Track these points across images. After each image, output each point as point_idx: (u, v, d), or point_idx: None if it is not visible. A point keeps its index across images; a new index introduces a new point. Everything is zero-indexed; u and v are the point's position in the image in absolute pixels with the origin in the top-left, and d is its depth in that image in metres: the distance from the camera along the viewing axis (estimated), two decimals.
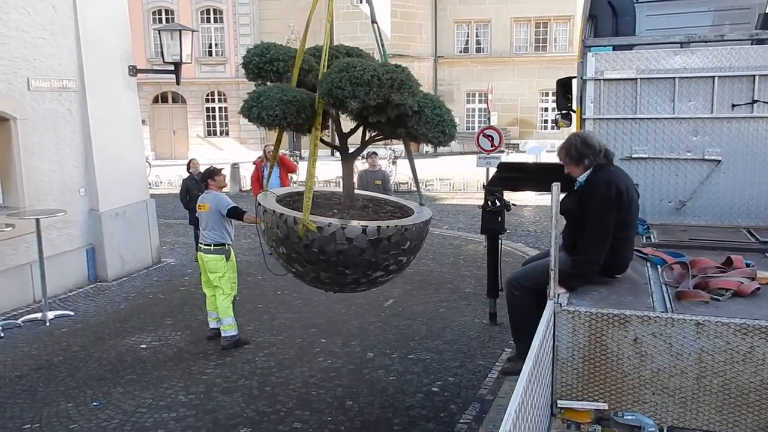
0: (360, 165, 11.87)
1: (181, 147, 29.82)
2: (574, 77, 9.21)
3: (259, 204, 5.23)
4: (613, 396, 3.32)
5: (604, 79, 5.56)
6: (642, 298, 3.51)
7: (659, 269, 4.04)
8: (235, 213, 6.82)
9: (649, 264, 4.20)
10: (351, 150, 5.31)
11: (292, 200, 5.58)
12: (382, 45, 5.27)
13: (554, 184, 3.41)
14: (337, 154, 5.34)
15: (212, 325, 7.19)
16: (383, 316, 7.81)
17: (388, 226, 4.60)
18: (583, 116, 5.76)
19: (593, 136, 4.17)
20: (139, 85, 30.81)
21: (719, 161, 5.44)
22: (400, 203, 5.89)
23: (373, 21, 5.37)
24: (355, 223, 4.63)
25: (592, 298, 3.53)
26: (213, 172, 7.12)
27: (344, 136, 5.30)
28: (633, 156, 5.59)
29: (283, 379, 6.15)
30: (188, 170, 10.98)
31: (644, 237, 5.05)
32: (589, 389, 3.36)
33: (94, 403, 5.74)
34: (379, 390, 5.86)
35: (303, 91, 5.05)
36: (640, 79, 5.49)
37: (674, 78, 5.43)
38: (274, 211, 4.90)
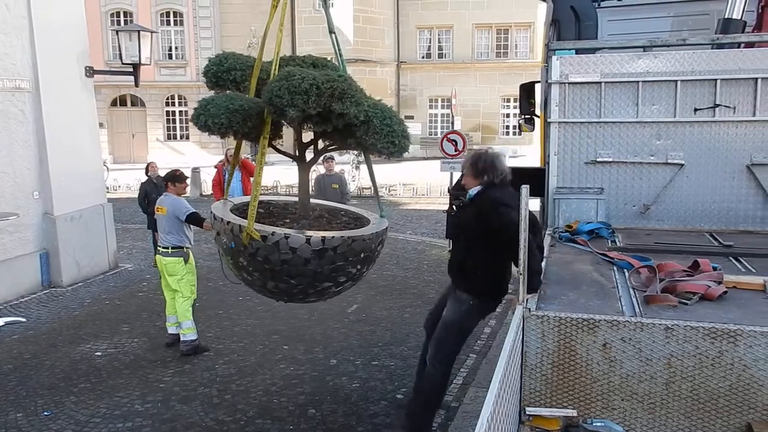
0: (318, 169, 11.73)
1: (141, 151, 29.24)
2: (538, 82, 9.30)
3: (211, 211, 5.25)
4: (582, 402, 3.28)
5: (569, 83, 5.56)
6: (610, 303, 3.48)
7: (626, 273, 4.02)
8: (194, 219, 6.71)
9: (615, 268, 4.19)
10: (308, 159, 5.32)
11: (263, 209, 5.52)
12: (340, 54, 5.25)
13: (523, 186, 3.35)
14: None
15: (171, 330, 7.00)
16: (347, 322, 7.70)
17: (333, 237, 4.60)
18: (548, 119, 5.76)
19: (504, 161, 4.29)
20: (97, 88, 30.18)
21: (682, 165, 5.48)
22: (358, 214, 5.83)
23: (331, 31, 5.35)
24: (299, 232, 4.62)
25: (560, 303, 3.49)
26: (176, 177, 6.95)
27: (301, 145, 5.30)
28: (597, 160, 5.61)
29: (244, 387, 5.99)
30: (147, 173, 10.71)
31: (609, 241, 5.05)
32: (557, 396, 3.32)
33: (45, 413, 5.49)
34: (342, 397, 5.74)
35: (253, 99, 5.05)
36: (605, 82, 5.51)
37: (638, 82, 5.45)
38: (222, 218, 4.93)
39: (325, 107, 4.38)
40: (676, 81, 5.41)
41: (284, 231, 4.66)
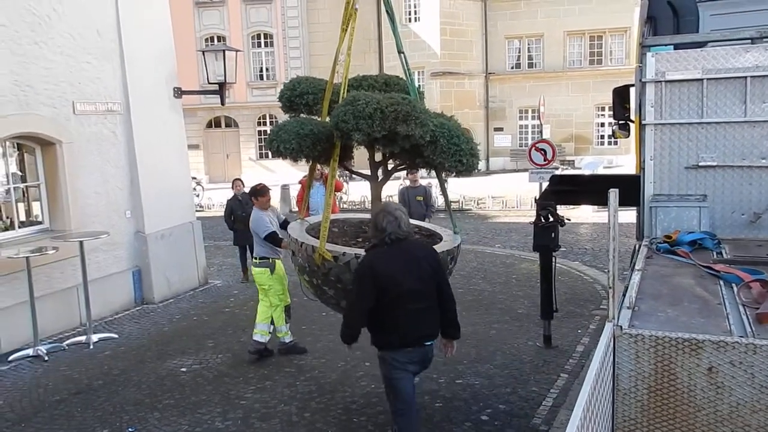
0: (404, 182, 11.56)
1: (234, 170, 30.10)
2: (632, 85, 8.74)
3: (287, 231, 5.49)
4: None
5: (666, 81, 5.11)
6: (716, 321, 3.06)
7: (735, 288, 3.57)
8: (271, 239, 6.84)
9: (722, 282, 3.73)
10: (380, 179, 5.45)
11: (335, 227, 5.65)
12: (409, 72, 5.32)
13: (611, 190, 3.01)
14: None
15: (257, 338, 7.04)
16: None
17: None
18: (643, 122, 5.33)
19: (392, 217, 4.15)
20: (192, 110, 31.41)
21: None
22: (432, 230, 5.80)
23: (400, 51, 5.41)
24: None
25: (657, 320, 3.10)
26: (258, 192, 7.13)
27: (373, 165, 5.40)
28: (700, 164, 5.11)
29: (324, 404, 5.83)
30: (233, 190, 10.92)
31: (714, 253, 4.55)
32: (655, 424, 2.93)
33: (130, 429, 5.54)
34: (424, 417, 5.46)
35: (323, 123, 5.23)
36: (707, 79, 5.03)
37: (746, 77, 4.94)
38: (296, 239, 5.12)
39: (390, 130, 4.45)
40: None
41: (354, 251, 4.72)
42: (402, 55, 5.44)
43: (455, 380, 6.21)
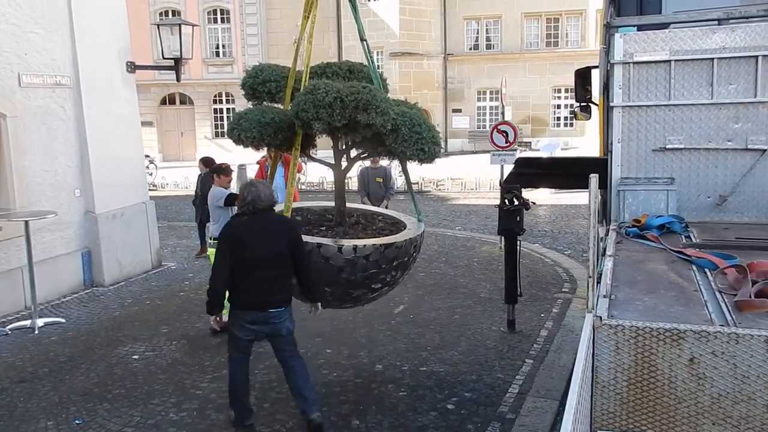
0: (362, 162, 11.36)
1: (189, 148, 29.45)
2: (594, 67, 8.70)
3: None
4: (664, 426, 2.80)
5: (634, 62, 5.03)
6: (695, 309, 2.98)
7: (709, 274, 3.50)
8: (232, 199, 6.81)
9: (695, 268, 3.67)
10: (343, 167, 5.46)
11: (298, 216, 5.75)
12: (372, 62, 5.29)
13: (592, 176, 2.89)
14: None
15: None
16: (393, 324, 7.30)
17: (365, 245, 4.69)
18: (611, 104, 5.23)
19: (254, 189, 4.57)
20: (146, 86, 30.53)
21: (765, 151, 4.89)
22: (395, 218, 5.83)
23: (362, 39, 5.40)
24: (330, 241, 4.74)
25: (636, 310, 3.00)
26: (222, 170, 7.21)
27: (337, 153, 5.38)
28: (667, 147, 5.06)
29: (284, 394, 5.62)
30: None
31: (683, 236, 4.51)
32: (635, 418, 2.84)
33: (77, 422, 5.25)
34: (388, 407, 5.34)
35: (284, 112, 5.22)
36: (674, 60, 4.96)
37: (712, 59, 4.89)
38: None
39: (350, 119, 4.46)
40: (756, 57, 4.83)
41: (317, 240, 4.77)
42: (364, 42, 5.41)
43: (419, 368, 6.09)
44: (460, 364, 6.11)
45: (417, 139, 4.65)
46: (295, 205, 6.81)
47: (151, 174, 22.59)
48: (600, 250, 4.20)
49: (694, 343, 2.70)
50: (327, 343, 6.80)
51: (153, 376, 6.08)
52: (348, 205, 6.32)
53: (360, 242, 4.76)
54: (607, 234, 4.94)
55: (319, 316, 7.39)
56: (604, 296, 3.15)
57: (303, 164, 12.25)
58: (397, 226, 5.59)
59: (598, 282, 3.33)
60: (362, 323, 7.32)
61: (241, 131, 4.97)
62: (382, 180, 9.49)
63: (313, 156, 5.75)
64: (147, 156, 24.20)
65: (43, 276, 8.20)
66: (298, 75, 5.36)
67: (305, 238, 4.77)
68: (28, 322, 7.51)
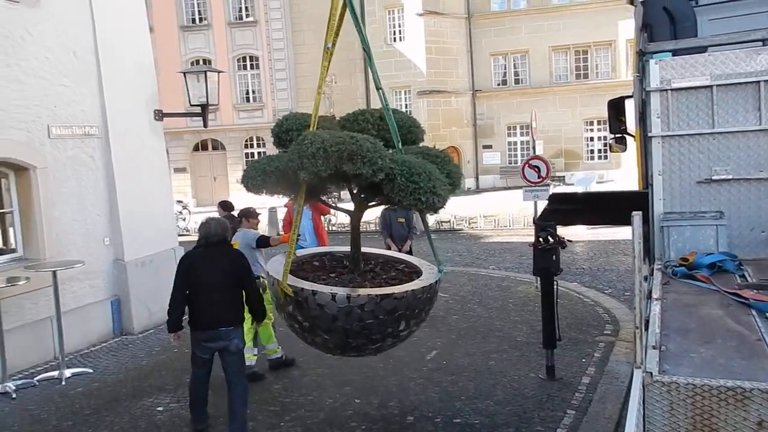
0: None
1: (222, 193, 29.54)
2: (627, 96, 8.43)
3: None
4: None
5: (672, 89, 4.75)
6: (761, 362, 2.66)
7: None
8: (263, 242, 7.18)
9: (754, 312, 3.33)
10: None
11: (317, 261, 5.83)
12: (387, 108, 5.28)
13: (635, 213, 2.62)
14: None
15: (247, 362, 6.76)
16: (425, 371, 6.99)
17: (358, 295, 4.66)
18: (648, 134, 4.96)
19: (206, 225, 5.52)
20: (178, 133, 31.00)
21: None
22: (415, 265, 5.70)
23: (378, 88, 5.46)
24: (326, 289, 4.75)
25: (691, 363, 2.69)
26: (250, 213, 7.46)
27: (353, 196, 5.42)
28: (713, 178, 4.74)
29: None
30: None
31: (737, 276, 4.16)
32: None
33: None
34: None
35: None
36: (716, 86, 4.67)
37: (758, 82, 4.59)
38: (267, 272, 5.37)
39: (336, 168, 4.46)
40: None
41: (313, 287, 4.78)
42: (380, 91, 5.43)
43: (453, 419, 5.76)
44: (497, 416, 5.77)
45: (414, 189, 4.59)
46: (321, 249, 6.70)
47: (184, 219, 22.78)
48: (644, 294, 3.88)
49: (762, 404, 2.38)
50: (356, 392, 6.53)
51: (177, 430, 5.89)
52: (372, 250, 6.30)
53: (354, 291, 4.73)
54: (651, 274, 4.62)
55: (347, 363, 7.22)
56: (654, 347, 2.84)
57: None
58: (416, 273, 5.44)
59: (645, 330, 3.04)
60: (392, 370, 7.03)
61: (248, 179, 5.18)
62: (404, 220, 9.23)
63: (327, 202, 6.02)
64: (180, 201, 24.56)
65: (72, 325, 8.15)
66: (325, 123, 5.48)
67: (302, 284, 4.86)
68: (55, 373, 7.41)
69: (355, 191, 5.33)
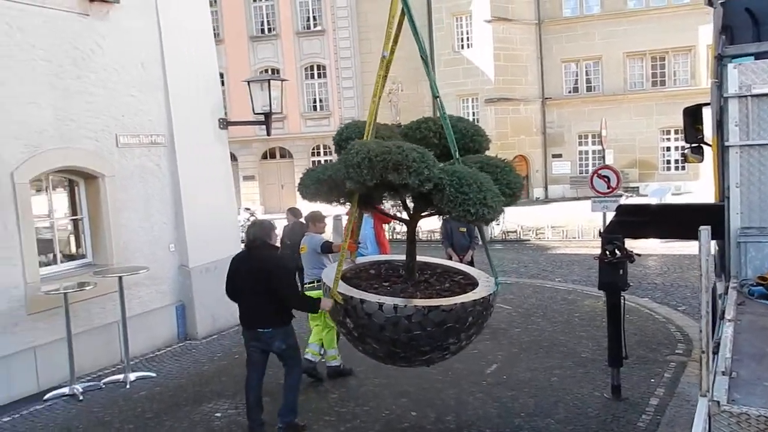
0: None
1: (289, 201, 30.02)
2: (704, 104, 7.99)
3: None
4: None
5: (752, 95, 4.43)
6: None
7: None
8: (327, 247, 7.27)
9: None
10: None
11: (374, 269, 5.88)
12: (445, 119, 5.20)
13: (703, 228, 2.41)
14: None
15: (308, 356, 7.10)
16: (484, 385, 6.79)
17: (405, 305, 4.64)
18: (726, 143, 4.64)
19: (247, 230, 5.81)
20: (248, 142, 31.63)
21: None
22: (472, 276, 5.60)
23: (435, 96, 5.43)
24: (374, 298, 4.75)
25: (765, 393, 2.44)
26: (316, 217, 7.55)
27: (406, 206, 5.46)
28: None
29: None
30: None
31: None
32: None
33: None
34: None
35: None
36: None
37: None
38: (322, 278, 5.53)
39: (381, 178, 4.46)
40: None
41: (361, 296, 4.81)
42: (438, 99, 5.39)
43: None
44: None
45: (463, 200, 4.51)
46: (380, 257, 6.64)
47: None
48: (717, 313, 3.61)
49: None
50: (413, 404, 6.40)
51: None
52: (432, 260, 6.26)
53: (401, 302, 4.69)
54: (725, 293, 4.30)
55: (405, 374, 7.11)
56: (723, 373, 2.60)
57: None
58: (469, 287, 5.33)
59: (715, 354, 2.80)
60: (451, 383, 6.88)
61: (303, 186, 5.29)
62: (465, 230, 9.02)
63: (384, 210, 6.12)
64: (248, 209, 25.04)
65: (138, 330, 8.34)
66: (386, 132, 5.52)
67: (352, 292, 4.91)
68: (121, 377, 7.60)
69: (408, 201, 5.31)
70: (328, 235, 13.85)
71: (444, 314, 4.65)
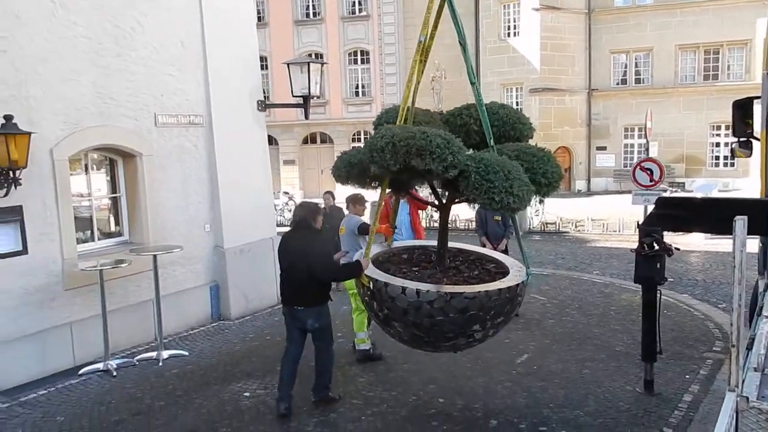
0: None
1: (328, 185, 30.07)
2: (756, 97, 7.70)
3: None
4: None
5: None
6: None
7: None
8: (364, 229, 7.18)
9: None
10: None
11: (407, 253, 5.92)
12: (481, 105, 5.18)
13: (738, 218, 2.28)
14: None
15: (360, 347, 7.33)
16: (514, 375, 6.70)
17: (428, 291, 4.67)
18: None
19: (303, 209, 6.09)
20: (289, 126, 31.68)
21: None
22: (505, 265, 5.54)
23: (472, 83, 5.32)
24: (398, 282, 4.79)
25: None
26: (356, 200, 7.59)
27: (438, 195, 5.43)
28: None
29: None
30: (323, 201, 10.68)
31: None
32: None
33: None
34: None
35: None
36: None
37: None
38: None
39: (404, 164, 4.47)
40: None
41: (386, 279, 4.87)
42: (474, 86, 5.28)
43: (538, 427, 5.47)
44: (586, 428, 5.42)
45: (488, 187, 4.45)
46: (417, 242, 6.62)
47: (290, 211, 23.35)
48: (755, 309, 3.46)
49: None
50: (441, 391, 6.35)
51: (260, 417, 5.95)
52: (467, 247, 6.22)
53: (424, 286, 4.72)
54: (765, 289, 4.13)
55: (434, 361, 7.06)
56: (755, 369, 2.48)
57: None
58: (499, 275, 5.29)
59: (749, 350, 2.67)
60: (480, 371, 6.80)
61: (335, 169, 5.34)
62: (500, 219, 8.85)
63: (418, 196, 6.12)
64: (286, 193, 25.20)
65: (173, 308, 8.46)
66: (424, 117, 5.49)
67: (377, 274, 4.99)
68: (154, 354, 7.73)
69: (439, 188, 5.29)
70: (367, 218, 13.84)
71: (466, 301, 4.64)
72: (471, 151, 5.02)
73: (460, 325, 4.75)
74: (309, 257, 5.65)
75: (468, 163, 4.55)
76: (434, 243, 6.22)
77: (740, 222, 2.30)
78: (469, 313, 4.67)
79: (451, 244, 5.81)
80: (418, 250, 6.03)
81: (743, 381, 2.35)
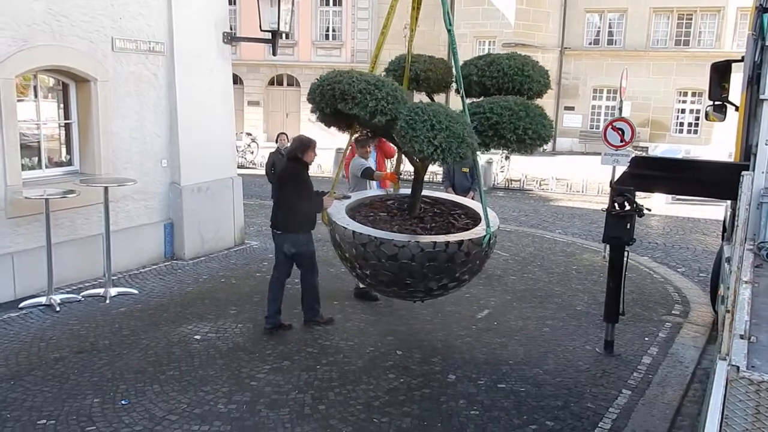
0: None
1: (293, 129, 29.51)
2: (735, 60, 7.56)
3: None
4: None
5: None
6: None
7: None
8: (367, 173, 7.27)
9: None
10: None
11: (381, 202, 5.97)
12: (455, 53, 5.03)
13: (746, 173, 2.08)
14: None
15: None
16: (474, 330, 6.59)
17: (361, 233, 4.88)
18: (761, 96, 4.27)
19: (297, 142, 6.34)
20: (255, 66, 30.79)
21: None
22: (476, 215, 5.51)
23: (448, 29, 5.08)
24: (343, 223, 5.07)
25: None
26: (360, 142, 7.26)
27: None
28: None
29: (343, 396, 5.09)
30: (276, 143, 10.38)
31: None
32: None
33: (122, 402, 4.93)
34: (456, 427, 4.68)
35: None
36: None
37: None
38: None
39: (333, 107, 4.63)
40: None
41: (338, 221, 5.14)
42: (450, 32, 5.05)
43: (497, 384, 5.37)
44: (545, 386, 5.34)
45: (411, 136, 4.37)
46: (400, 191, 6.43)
47: (252, 152, 22.81)
48: (719, 274, 3.32)
49: None
50: (399, 343, 6.21)
51: (211, 360, 5.71)
52: (452, 198, 6.36)
53: (376, 233, 4.88)
54: (737, 255, 4.01)
55: (394, 313, 6.90)
56: (741, 337, 2.33)
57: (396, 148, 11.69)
58: (474, 225, 5.31)
59: (730, 313, 2.51)
60: (441, 325, 6.67)
61: (309, 93, 5.07)
62: (468, 170, 8.55)
63: (384, 143, 6.42)
64: (249, 134, 24.59)
65: (124, 245, 8.10)
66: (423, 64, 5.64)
67: (336, 217, 5.22)
68: (101, 291, 7.39)
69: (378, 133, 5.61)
70: (329, 166, 13.47)
71: (396, 249, 4.73)
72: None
73: (395, 272, 4.84)
74: (285, 185, 6.16)
75: (401, 111, 4.51)
76: (405, 193, 6.07)
77: (747, 177, 2.11)
78: (401, 262, 4.73)
79: (437, 195, 6.01)
80: (390, 199, 6.01)
81: (731, 349, 2.19)
